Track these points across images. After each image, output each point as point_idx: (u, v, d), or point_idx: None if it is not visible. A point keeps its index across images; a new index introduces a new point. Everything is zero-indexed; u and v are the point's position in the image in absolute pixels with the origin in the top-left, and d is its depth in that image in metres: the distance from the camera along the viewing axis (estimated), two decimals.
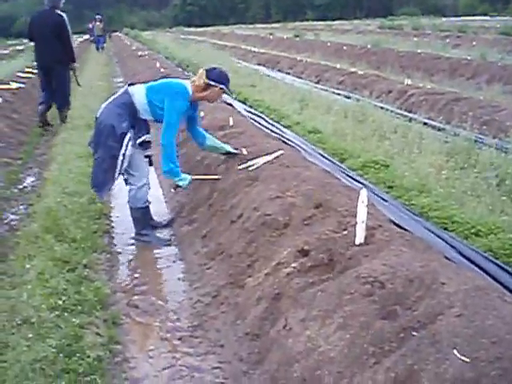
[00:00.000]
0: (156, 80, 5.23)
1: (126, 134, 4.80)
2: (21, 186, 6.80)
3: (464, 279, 2.67)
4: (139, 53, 21.53)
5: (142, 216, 5.20)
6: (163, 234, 5.33)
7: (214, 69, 5.01)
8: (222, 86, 4.90)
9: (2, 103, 10.33)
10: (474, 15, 61.73)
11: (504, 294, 2.64)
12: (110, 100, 5.06)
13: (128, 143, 4.82)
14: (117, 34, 49.65)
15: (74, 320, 3.50)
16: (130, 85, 5.09)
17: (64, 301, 3.70)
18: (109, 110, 4.91)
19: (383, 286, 2.72)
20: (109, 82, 16.18)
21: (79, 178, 6.31)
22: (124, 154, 4.81)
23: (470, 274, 2.86)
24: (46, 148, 8.75)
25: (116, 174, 4.87)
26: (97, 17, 31.72)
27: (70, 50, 9.50)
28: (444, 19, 50.45)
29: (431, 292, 2.59)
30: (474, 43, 22.24)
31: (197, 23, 73.76)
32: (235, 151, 5.48)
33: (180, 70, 16.55)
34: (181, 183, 4.95)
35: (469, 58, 16.08)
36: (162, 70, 13.77)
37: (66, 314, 3.57)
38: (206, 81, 4.85)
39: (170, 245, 5.09)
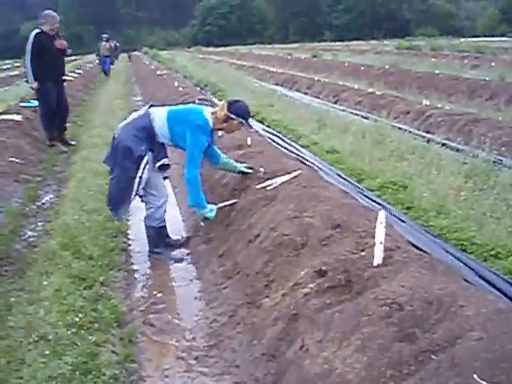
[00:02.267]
0: (177, 104, 5.27)
1: (143, 157, 4.81)
2: (39, 203, 6.86)
3: (484, 302, 2.63)
4: (158, 72, 21.70)
5: (156, 235, 5.26)
6: (178, 252, 5.36)
7: (236, 102, 5.03)
8: (241, 120, 4.93)
9: (23, 121, 10.46)
10: (492, 36, 61.67)
11: None
12: (128, 120, 5.08)
13: (145, 166, 4.84)
14: (136, 53, 50.13)
15: (90, 337, 3.52)
16: (150, 106, 5.10)
17: (81, 318, 3.72)
18: (127, 131, 4.92)
19: (402, 308, 2.69)
20: (127, 101, 16.33)
21: (97, 196, 6.34)
22: (141, 177, 4.84)
23: (489, 297, 2.82)
24: (65, 165, 8.82)
25: (132, 196, 4.93)
26: (103, 35, 28.43)
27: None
28: (462, 40, 50.44)
29: (450, 315, 2.56)
30: (493, 64, 22.15)
31: (215, 43, 74.45)
32: (248, 170, 5.50)
33: (198, 89, 16.68)
34: (208, 215, 4.99)
35: (487, 78, 16.00)
36: (180, 89, 13.88)
37: (82, 331, 3.59)
38: (227, 113, 4.87)
39: (181, 262, 5.13)
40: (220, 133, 5.60)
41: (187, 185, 4.86)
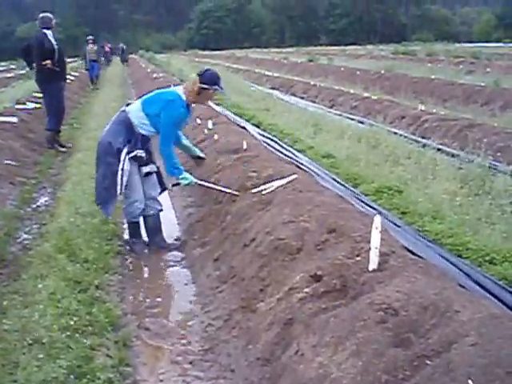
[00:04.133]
0: (150, 92, 5.45)
1: (121, 149, 5.04)
2: (34, 206, 6.85)
3: (478, 307, 2.64)
4: (154, 75, 21.69)
5: (131, 229, 5.52)
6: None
7: (205, 71, 5.20)
8: (215, 87, 5.09)
9: (18, 123, 10.45)
10: (487, 42, 61.90)
11: None
12: (109, 123, 5.34)
13: (125, 157, 5.06)
14: (132, 56, 50.14)
15: (84, 341, 3.50)
16: (127, 105, 5.36)
17: (75, 321, 3.70)
18: (107, 130, 5.23)
19: (397, 313, 2.69)
20: (123, 104, 16.30)
21: (92, 199, 6.30)
22: (123, 169, 5.05)
23: (484, 302, 2.82)
24: (61, 168, 8.82)
25: (118, 189, 5.11)
26: (89, 37, 23.83)
27: None
28: (458, 45, 50.60)
29: (445, 320, 2.56)
30: (488, 70, 22.23)
31: (211, 46, 74.49)
32: (203, 155, 5.77)
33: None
34: (183, 181, 5.24)
35: (482, 84, 16.05)
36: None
37: (77, 334, 3.57)
38: (200, 85, 5.03)
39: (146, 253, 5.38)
40: (216, 136, 5.65)
41: (162, 157, 5.17)
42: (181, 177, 5.22)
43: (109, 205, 5.24)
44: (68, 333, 3.54)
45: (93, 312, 3.90)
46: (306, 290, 3.32)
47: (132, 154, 5.12)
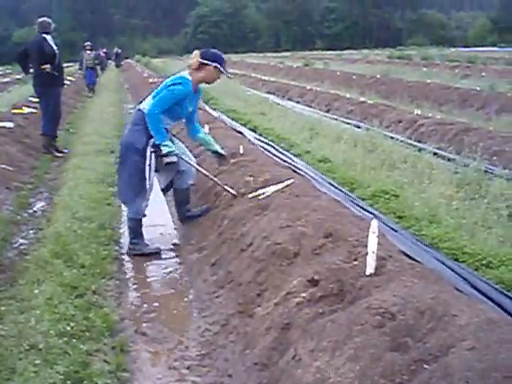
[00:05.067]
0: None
1: (146, 147, 5.15)
2: (31, 211, 6.83)
3: (476, 312, 2.64)
4: (150, 80, 21.68)
5: (132, 225, 5.45)
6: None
7: (209, 49, 5.28)
8: (215, 65, 5.12)
9: (14, 128, 10.44)
10: (482, 46, 62.11)
11: None
12: (128, 124, 5.54)
13: (151, 155, 5.20)
14: (128, 60, 50.09)
15: (81, 346, 3.49)
16: (139, 103, 5.45)
17: (72, 327, 3.69)
18: (128, 132, 5.40)
19: (394, 318, 2.69)
20: (120, 109, 16.33)
21: (89, 204, 6.33)
22: (150, 164, 5.19)
23: (481, 307, 2.83)
24: (57, 173, 8.81)
25: (147, 186, 5.25)
26: (86, 44, 22.91)
27: None
28: (453, 50, 50.77)
29: (443, 324, 2.56)
30: (483, 74, 22.31)
31: None
32: (223, 152, 5.71)
33: None
34: (164, 148, 5.14)
35: (478, 88, 16.11)
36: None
37: (74, 340, 3.56)
38: (200, 60, 5.10)
39: (158, 253, 5.39)
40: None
41: (148, 120, 5.12)
42: (163, 143, 5.13)
43: (141, 204, 5.32)
44: (65, 338, 3.53)
45: (90, 317, 3.89)
46: (303, 294, 3.32)
47: (153, 149, 5.22)
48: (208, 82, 5.42)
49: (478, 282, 4.00)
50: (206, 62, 5.10)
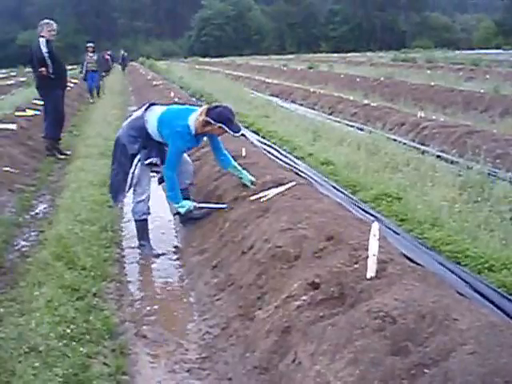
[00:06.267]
0: (172, 105, 5.74)
1: (136, 155, 5.30)
2: (33, 213, 6.83)
3: (477, 315, 2.62)
4: (154, 82, 21.74)
5: (139, 227, 5.57)
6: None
7: (216, 107, 5.25)
8: (220, 125, 5.08)
9: (18, 130, 10.45)
10: (487, 48, 62.02)
11: None
12: (129, 119, 5.58)
13: (137, 163, 5.34)
14: (132, 63, 50.15)
15: (81, 349, 3.48)
16: (150, 105, 5.47)
17: (72, 329, 3.68)
18: (125, 129, 5.46)
19: (395, 322, 2.67)
20: (123, 111, 16.31)
21: (91, 206, 6.33)
22: (133, 173, 5.33)
23: (483, 311, 2.81)
24: (60, 175, 8.81)
25: (126, 188, 5.43)
26: (88, 45, 21.00)
27: None
28: (458, 52, 50.72)
29: (443, 328, 2.54)
30: (488, 76, 22.25)
31: (212, 54, 74.64)
32: (249, 184, 5.53)
33: (194, 99, 16.69)
34: (179, 210, 5.42)
35: (482, 91, 16.06)
36: (176, 99, 13.87)
37: (73, 342, 3.55)
38: (206, 119, 5.07)
39: (158, 256, 5.44)
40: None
41: (164, 180, 5.37)
42: (179, 205, 5.39)
43: (118, 197, 5.60)
44: (65, 341, 3.52)
45: (90, 320, 3.88)
46: (304, 297, 3.30)
47: (147, 162, 5.36)
48: (216, 135, 5.43)
49: (480, 285, 3.98)
50: (211, 121, 5.06)
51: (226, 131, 5.14)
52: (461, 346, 2.36)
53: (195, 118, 5.16)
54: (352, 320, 2.86)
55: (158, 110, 5.36)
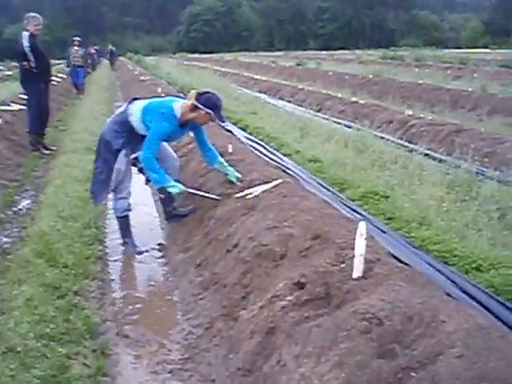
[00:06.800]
0: (156, 97, 5.55)
1: (120, 150, 5.17)
2: (16, 209, 6.73)
3: (465, 317, 2.57)
4: (141, 77, 21.58)
5: (121, 224, 5.52)
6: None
7: (207, 93, 5.16)
8: (208, 111, 5.00)
9: (2, 124, 10.30)
10: (475, 47, 62.36)
11: (507, 334, 2.54)
12: (113, 116, 5.49)
13: (122, 158, 5.20)
14: (120, 58, 49.76)
15: (61, 350, 3.40)
16: (132, 100, 5.37)
17: (52, 329, 3.59)
18: (109, 125, 5.34)
19: (381, 323, 2.61)
20: (110, 106, 16.17)
21: (75, 202, 6.23)
22: (118, 169, 5.19)
23: (471, 312, 2.75)
24: (44, 170, 8.70)
25: (111, 185, 5.28)
26: (74, 38, 20.47)
27: None
28: (446, 51, 50.88)
29: (431, 330, 2.49)
30: (475, 75, 22.30)
31: (201, 49, 74.42)
32: (235, 181, 5.46)
33: (182, 95, 16.56)
34: (171, 190, 5.19)
35: (470, 89, 16.09)
36: (163, 95, 13.75)
37: (53, 342, 3.47)
38: (194, 102, 5.00)
39: (141, 253, 5.36)
40: None
41: (143, 164, 5.15)
42: (169, 185, 5.15)
43: (100, 197, 5.43)
44: (44, 341, 3.43)
45: (70, 319, 3.79)
46: (289, 297, 3.23)
47: (134, 155, 5.28)
48: (199, 124, 5.32)
49: (468, 286, 3.93)
50: (199, 106, 4.98)
51: (213, 119, 5.09)
52: (448, 349, 2.32)
53: (182, 103, 5.11)
54: (338, 321, 2.80)
55: (141, 102, 5.29)
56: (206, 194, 5.45)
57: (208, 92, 5.20)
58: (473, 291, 3.82)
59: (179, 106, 5.10)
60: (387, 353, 2.47)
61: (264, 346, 3.11)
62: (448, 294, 3.36)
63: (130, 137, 5.20)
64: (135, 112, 5.17)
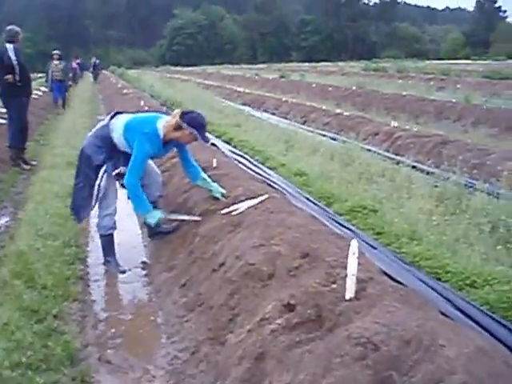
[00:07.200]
0: (138, 113, 5.45)
1: (101, 166, 4.99)
2: None
3: (464, 340, 2.44)
4: (124, 90, 21.43)
5: (104, 243, 5.32)
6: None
7: (191, 112, 5.05)
8: (192, 131, 4.86)
9: None
10: (456, 59, 62.99)
11: (509, 357, 2.42)
12: (94, 129, 5.27)
13: (103, 175, 5.03)
14: (103, 71, 49.48)
15: (38, 379, 3.20)
16: (115, 114, 5.21)
17: (29, 356, 3.40)
18: (90, 139, 5.15)
19: (377, 348, 2.47)
20: (92, 119, 15.94)
21: (55, 219, 6.04)
22: (99, 185, 5.01)
23: (470, 334, 2.62)
24: (24, 186, 8.49)
25: (93, 202, 5.10)
26: (54, 52, 19.33)
27: None
28: (427, 62, 51.32)
29: (430, 355, 2.36)
30: (458, 86, 22.42)
31: (183, 62, 74.52)
32: (220, 197, 5.32)
33: (165, 108, 16.43)
34: (149, 221, 5.11)
35: (453, 100, 16.11)
36: (146, 108, 13.61)
37: (29, 371, 3.27)
38: (179, 121, 4.85)
39: (124, 273, 5.17)
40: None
41: (127, 190, 5.04)
42: (148, 215, 5.07)
43: (82, 214, 5.24)
44: (20, 370, 3.24)
45: (49, 345, 3.60)
46: (279, 321, 3.08)
47: (115, 172, 5.10)
48: (182, 143, 5.18)
49: (464, 304, 3.79)
50: (183, 125, 4.85)
51: (197, 138, 4.94)
52: (449, 376, 2.19)
53: (165, 121, 4.97)
54: (331, 346, 2.64)
55: (124, 117, 5.12)
56: (187, 218, 5.32)
57: (192, 111, 5.10)
58: (469, 310, 3.69)
59: (162, 124, 4.95)
60: (384, 380, 2.33)
61: (253, 372, 2.94)
62: (443, 314, 3.23)
63: (111, 152, 5.04)
64: (117, 128, 5.01)
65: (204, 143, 5.04)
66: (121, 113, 5.29)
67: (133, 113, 5.44)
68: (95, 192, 5.03)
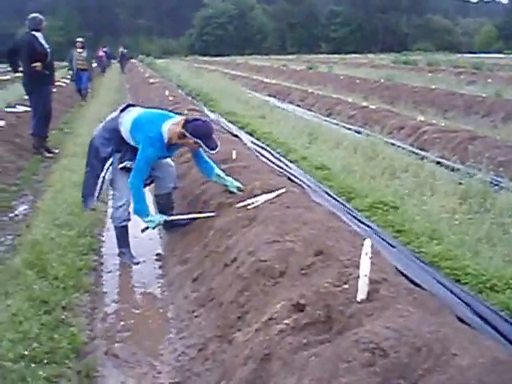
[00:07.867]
0: (149, 108, 5.36)
1: (108, 158, 4.98)
2: (12, 215, 6.52)
3: (480, 350, 2.31)
4: (151, 80, 21.41)
5: (119, 234, 5.28)
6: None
7: (195, 120, 4.90)
8: (196, 140, 4.75)
9: (5, 127, 10.13)
10: (488, 52, 61.95)
11: None
12: (105, 120, 5.24)
13: (109, 168, 5.03)
14: (132, 60, 49.54)
15: (41, 372, 3.15)
16: (128, 106, 5.20)
17: (34, 348, 3.35)
18: (99, 131, 5.16)
19: (386, 355, 2.35)
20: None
21: (72, 209, 6.00)
22: (104, 177, 5.04)
23: (486, 343, 2.49)
24: (45, 175, 8.50)
25: (97, 192, 5.10)
26: (78, 40, 18.49)
27: None
28: (459, 55, 50.50)
29: (441, 363, 2.24)
30: (489, 80, 21.92)
31: (212, 52, 74.48)
32: (235, 191, 5.23)
33: (190, 98, 16.37)
34: (148, 224, 5.02)
35: (484, 95, 15.72)
36: (170, 98, 13.56)
37: (33, 364, 3.22)
38: (182, 131, 4.74)
39: (138, 264, 5.15)
40: None
41: (131, 191, 4.96)
42: (146, 219, 5.00)
43: (88, 201, 5.24)
44: (23, 362, 3.19)
45: (55, 337, 3.55)
46: (287, 321, 2.97)
47: (122, 165, 5.02)
48: (189, 147, 5.13)
49: (483, 309, 3.64)
50: (187, 134, 4.73)
51: (202, 147, 4.84)
52: None
53: (170, 125, 4.84)
54: (339, 351, 2.53)
55: (134, 112, 5.04)
56: (196, 216, 5.26)
57: (197, 119, 4.97)
58: (489, 315, 3.54)
59: (167, 127, 4.82)
60: None
61: (258, 374, 2.84)
62: (460, 319, 3.10)
63: (119, 145, 5.01)
64: (126, 122, 4.96)
65: (209, 152, 4.86)
66: (133, 105, 5.25)
67: (143, 107, 5.34)
68: (99, 184, 5.05)
